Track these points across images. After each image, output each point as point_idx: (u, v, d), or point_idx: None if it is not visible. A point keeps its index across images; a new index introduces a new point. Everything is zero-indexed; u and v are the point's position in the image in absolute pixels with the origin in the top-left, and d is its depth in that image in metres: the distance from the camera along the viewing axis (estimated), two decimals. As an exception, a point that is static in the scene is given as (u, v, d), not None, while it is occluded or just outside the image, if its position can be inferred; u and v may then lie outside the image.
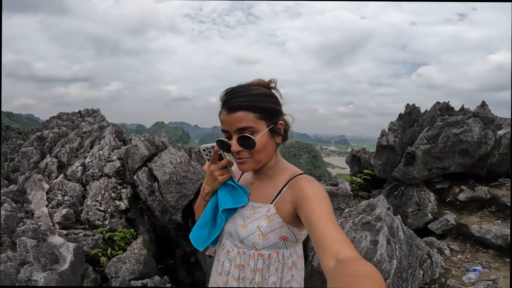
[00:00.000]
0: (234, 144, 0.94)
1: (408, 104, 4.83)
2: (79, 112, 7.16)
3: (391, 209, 2.71)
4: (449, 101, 4.21)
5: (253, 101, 0.93)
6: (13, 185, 3.83)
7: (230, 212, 1.06)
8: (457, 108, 4.24)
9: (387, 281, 2.34)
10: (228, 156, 1.09)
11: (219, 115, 0.99)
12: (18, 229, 3.05)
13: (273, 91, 1.02)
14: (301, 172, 1.04)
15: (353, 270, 0.60)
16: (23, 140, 5.02)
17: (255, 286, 1.00)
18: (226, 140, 0.97)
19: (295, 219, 0.96)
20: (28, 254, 2.91)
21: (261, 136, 0.94)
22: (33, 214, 3.50)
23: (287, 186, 0.99)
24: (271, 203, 1.00)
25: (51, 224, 3.31)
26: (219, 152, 1.01)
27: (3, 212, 3.10)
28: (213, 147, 1.02)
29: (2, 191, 3.54)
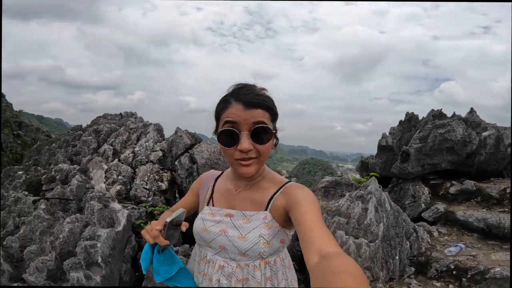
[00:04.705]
0: (246, 141, 0.89)
1: (407, 112, 5.52)
2: (120, 114, 8.28)
3: (381, 187, 3.38)
4: (441, 108, 4.86)
5: (269, 102, 0.93)
6: (75, 165, 4.76)
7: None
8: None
9: (376, 241, 3.00)
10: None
11: (224, 109, 0.93)
12: (88, 195, 3.91)
13: None
14: (289, 180, 1.06)
15: (335, 267, 0.61)
16: (83, 131, 6.05)
17: None
18: (236, 131, 0.90)
19: (287, 222, 0.97)
20: (93, 216, 3.70)
21: (271, 135, 0.94)
22: (93, 189, 4.39)
23: (279, 192, 0.99)
24: (266, 210, 0.98)
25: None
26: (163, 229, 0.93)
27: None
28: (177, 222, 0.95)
29: (69, 167, 4.46)
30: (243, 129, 0.89)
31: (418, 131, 4.50)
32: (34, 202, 3.82)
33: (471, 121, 4.41)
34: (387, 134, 5.11)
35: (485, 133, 4.31)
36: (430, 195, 4.56)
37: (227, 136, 0.91)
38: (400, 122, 5.32)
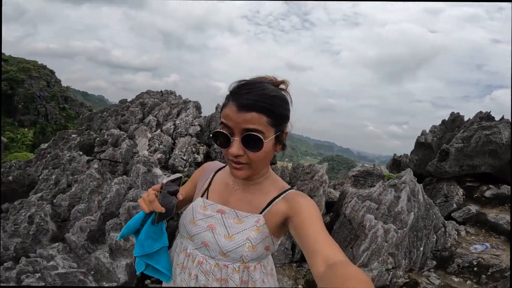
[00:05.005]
0: (236, 147, 0.85)
1: (452, 112, 5.35)
2: (161, 91, 8.79)
3: (416, 180, 3.39)
4: (490, 111, 4.67)
5: (269, 104, 0.84)
6: (122, 132, 5.17)
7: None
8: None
9: (404, 229, 3.05)
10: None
11: (223, 106, 0.89)
12: (135, 158, 4.27)
13: (283, 93, 0.93)
14: (291, 186, 1.03)
15: (344, 273, 0.62)
16: (130, 103, 6.51)
17: None
18: (227, 133, 0.86)
19: (280, 229, 0.95)
20: (137, 179, 4.02)
21: (267, 143, 0.86)
22: (139, 153, 4.77)
23: (281, 198, 0.95)
24: (261, 213, 0.95)
25: (152, 161, 4.50)
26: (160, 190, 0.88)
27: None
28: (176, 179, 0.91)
29: (119, 132, 4.85)
30: (235, 133, 0.85)
31: (462, 131, 4.39)
32: (88, 162, 4.23)
33: (521, 125, 4.23)
34: (427, 131, 5.01)
35: (533, 139, 4.11)
36: (464, 196, 4.46)
37: (221, 137, 0.88)
38: (443, 121, 5.19)
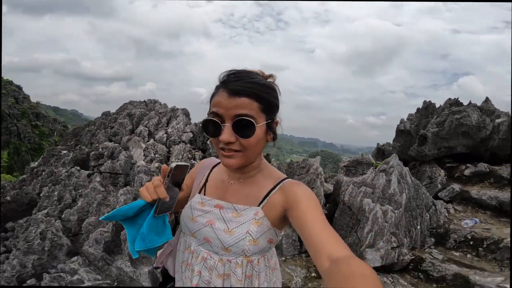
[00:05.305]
0: (227, 133, 0.84)
1: (425, 101, 5.80)
2: (145, 101, 8.78)
3: (402, 163, 3.71)
4: (458, 97, 5.14)
5: (260, 91, 0.85)
6: (116, 144, 5.21)
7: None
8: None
9: (400, 209, 3.31)
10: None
11: (213, 96, 0.90)
12: (136, 168, 4.34)
13: (272, 84, 0.94)
14: (287, 176, 1.01)
15: (349, 270, 0.61)
16: (117, 114, 6.50)
17: None
18: (217, 121, 0.86)
19: (281, 221, 0.94)
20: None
21: (259, 128, 0.86)
22: (137, 164, 4.83)
23: (277, 189, 0.94)
24: (259, 206, 0.94)
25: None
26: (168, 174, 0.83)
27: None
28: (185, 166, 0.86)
29: (114, 145, 4.89)
30: (226, 119, 0.84)
31: (435, 117, 4.80)
32: (88, 176, 4.26)
33: (486, 109, 4.69)
34: (405, 119, 5.42)
35: (498, 120, 4.59)
36: (446, 177, 4.86)
37: (211, 126, 0.87)
38: (418, 109, 5.63)
